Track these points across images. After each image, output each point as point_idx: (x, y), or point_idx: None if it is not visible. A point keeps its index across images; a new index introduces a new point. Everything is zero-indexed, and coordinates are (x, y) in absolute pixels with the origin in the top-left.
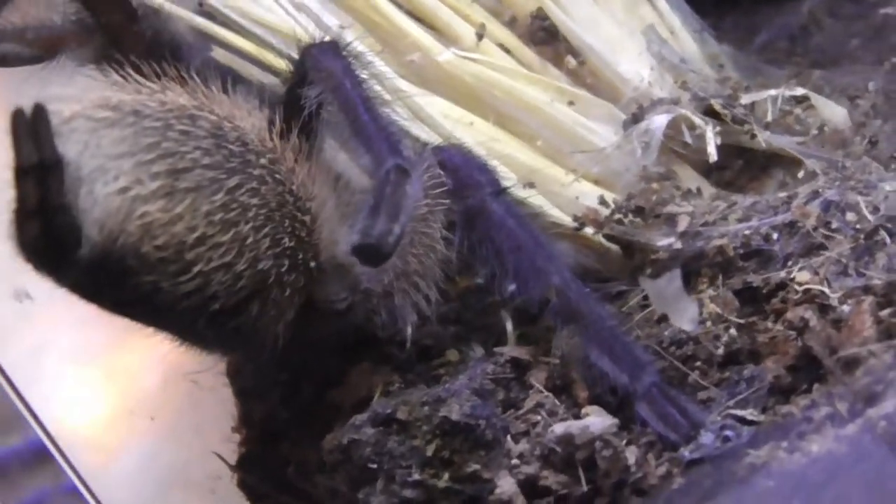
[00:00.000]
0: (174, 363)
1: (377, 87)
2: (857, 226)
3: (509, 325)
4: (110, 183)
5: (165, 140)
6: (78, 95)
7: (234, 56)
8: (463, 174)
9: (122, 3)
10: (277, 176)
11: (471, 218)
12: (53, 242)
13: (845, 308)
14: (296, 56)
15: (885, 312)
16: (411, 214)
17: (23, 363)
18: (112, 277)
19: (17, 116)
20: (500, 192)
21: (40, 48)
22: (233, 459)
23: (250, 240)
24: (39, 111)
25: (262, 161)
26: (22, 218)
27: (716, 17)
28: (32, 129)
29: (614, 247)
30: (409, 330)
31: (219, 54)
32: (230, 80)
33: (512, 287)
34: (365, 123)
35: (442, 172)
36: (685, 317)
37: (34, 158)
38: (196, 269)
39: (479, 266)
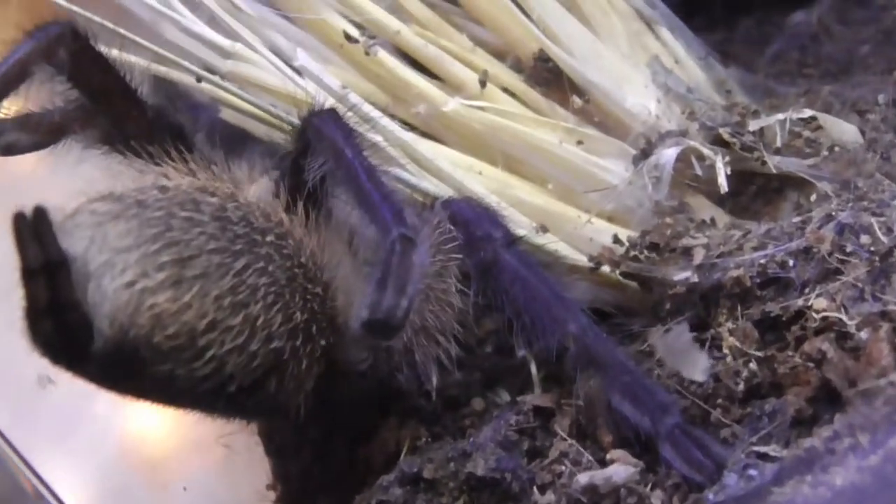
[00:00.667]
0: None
1: (383, 146)
2: (872, 248)
3: (533, 369)
4: (117, 277)
5: (169, 229)
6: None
7: (242, 115)
8: (473, 227)
9: (122, 90)
10: (285, 251)
11: (484, 270)
12: (66, 338)
13: (863, 335)
14: (297, 124)
15: None
16: (420, 284)
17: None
18: (127, 368)
19: (19, 219)
20: (512, 242)
21: (44, 135)
22: None
23: (262, 319)
24: (40, 213)
25: (269, 238)
26: (34, 317)
27: (727, 28)
28: (35, 231)
29: (632, 283)
30: (434, 382)
31: (227, 114)
32: (237, 142)
33: (529, 336)
34: (368, 192)
35: (452, 227)
36: (697, 369)
37: (40, 260)
38: (209, 353)
39: (497, 315)
